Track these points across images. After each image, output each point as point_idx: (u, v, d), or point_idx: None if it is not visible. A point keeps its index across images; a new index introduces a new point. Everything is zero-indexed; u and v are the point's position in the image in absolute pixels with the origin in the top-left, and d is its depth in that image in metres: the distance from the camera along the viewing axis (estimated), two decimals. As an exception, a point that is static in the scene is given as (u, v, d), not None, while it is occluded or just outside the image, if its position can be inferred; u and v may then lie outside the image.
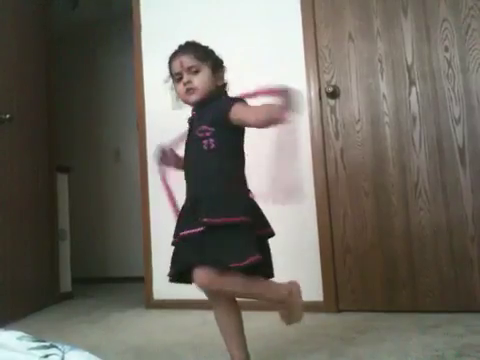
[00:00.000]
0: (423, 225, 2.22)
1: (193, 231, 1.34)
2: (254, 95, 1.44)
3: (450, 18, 2.24)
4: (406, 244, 2.25)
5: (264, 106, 1.36)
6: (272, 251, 2.49)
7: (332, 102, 2.44)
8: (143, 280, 2.82)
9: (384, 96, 2.34)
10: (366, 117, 2.37)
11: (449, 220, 2.18)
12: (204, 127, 1.42)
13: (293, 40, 2.53)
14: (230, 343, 1.45)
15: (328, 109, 2.44)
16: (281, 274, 2.22)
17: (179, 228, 1.41)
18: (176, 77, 1.49)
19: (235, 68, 2.64)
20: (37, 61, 3.14)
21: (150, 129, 2.87)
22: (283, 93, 1.31)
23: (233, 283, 1.36)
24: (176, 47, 1.54)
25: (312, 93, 2.46)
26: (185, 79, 1.46)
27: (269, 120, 1.34)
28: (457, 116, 2.20)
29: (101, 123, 4.58)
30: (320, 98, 2.45)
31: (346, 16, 2.44)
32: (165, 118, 2.85)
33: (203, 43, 1.60)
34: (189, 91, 1.46)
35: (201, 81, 1.45)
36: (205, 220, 1.32)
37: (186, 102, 1.51)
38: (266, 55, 2.59)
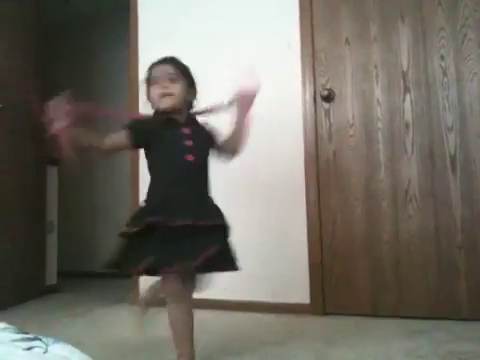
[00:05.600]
0: (411, 231, 2.23)
1: None
2: (209, 111, 1.62)
3: (447, 27, 2.25)
4: (394, 249, 2.25)
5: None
6: (262, 252, 2.50)
7: (326, 105, 2.44)
8: (130, 276, 2.80)
9: (378, 102, 2.35)
10: (359, 122, 2.38)
11: (437, 227, 2.19)
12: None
13: (290, 42, 2.53)
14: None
15: (322, 112, 2.44)
16: (270, 275, 2.22)
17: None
18: (153, 81, 1.58)
19: (231, 65, 2.66)
20: (30, 52, 3.11)
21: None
22: (236, 102, 1.57)
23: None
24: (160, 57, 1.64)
25: (307, 95, 2.46)
26: (163, 84, 1.55)
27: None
28: (450, 124, 2.21)
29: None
30: (315, 101, 2.45)
31: (344, 20, 2.44)
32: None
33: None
34: (164, 96, 1.54)
35: (177, 90, 1.55)
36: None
37: (156, 106, 1.59)
38: (262, 55, 2.59)
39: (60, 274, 3.45)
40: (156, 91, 1.56)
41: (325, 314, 2.34)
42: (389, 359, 1.59)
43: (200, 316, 2.19)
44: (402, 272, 2.23)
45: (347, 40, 2.43)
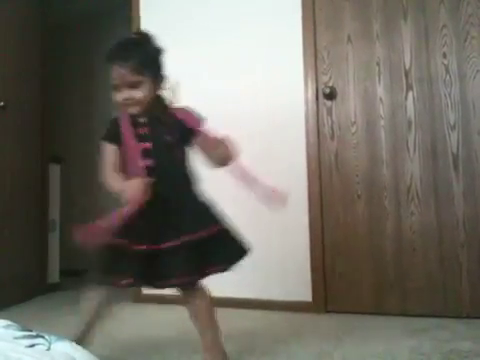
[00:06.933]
0: (414, 229, 2.23)
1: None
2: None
3: (449, 25, 2.25)
4: (396, 247, 2.25)
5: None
6: (264, 250, 2.49)
7: (329, 103, 2.44)
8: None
9: (381, 100, 2.35)
10: (362, 120, 2.38)
11: (440, 225, 2.19)
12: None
13: (292, 40, 2.52)
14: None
15: (324, 110, 2.44)
16: (271, 273, 2.21)
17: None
18: (115, 87, 1.42)
19: (234, 64, 2.66)
20: (32, 50, 3.11)
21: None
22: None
23: None
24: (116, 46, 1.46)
25: (309, 93, 2.46)
26: (125, 95, 1.41)
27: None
28: (452, 122, 2.21)
29: (97, 115, 4.55)
30: (317, 99, 2.44)
31: (346, 18, 2.44)
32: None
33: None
34: (128, 103, 1.42)
35: (142, 95, 1.41)
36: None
37: (123, 111, 1.46)
38: (265, 54, 2.59)
39: (62, 272, 3.46)
40: (118, 98, 1.42)
41: (327, 312, 2.34)
42: (392, 357, 1.58)
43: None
44: (404, 270, 2.23)
45: (349, 38, 2.42)
